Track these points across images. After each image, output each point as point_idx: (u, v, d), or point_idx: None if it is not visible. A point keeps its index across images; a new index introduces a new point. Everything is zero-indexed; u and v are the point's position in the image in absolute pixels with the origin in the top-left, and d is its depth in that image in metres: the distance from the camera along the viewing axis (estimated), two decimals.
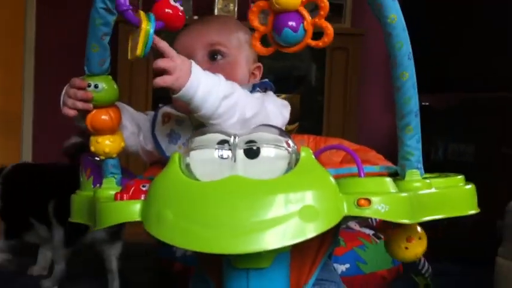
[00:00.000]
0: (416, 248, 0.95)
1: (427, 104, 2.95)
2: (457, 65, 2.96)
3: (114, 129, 0.99)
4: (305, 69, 3.35)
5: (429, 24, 3.00)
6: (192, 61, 0.95)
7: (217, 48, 1.12)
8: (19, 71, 3.55)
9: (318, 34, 0.85)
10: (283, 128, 1.10)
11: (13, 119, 4.02)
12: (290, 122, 1.15)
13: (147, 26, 0.88)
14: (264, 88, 1.12)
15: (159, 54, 0.93)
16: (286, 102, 1.13)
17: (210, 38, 1.12)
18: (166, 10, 0.93)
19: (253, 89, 1.10)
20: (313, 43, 0.84)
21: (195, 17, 3.20)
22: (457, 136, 2.94)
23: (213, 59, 1.12)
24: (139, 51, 0.88)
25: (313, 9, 0.85)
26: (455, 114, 2.99)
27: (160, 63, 0.91)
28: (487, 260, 1.99)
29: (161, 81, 0.91)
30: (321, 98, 3.37)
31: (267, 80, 1.18)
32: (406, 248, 0.95)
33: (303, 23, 0.83)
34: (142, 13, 0.90)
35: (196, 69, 0.94)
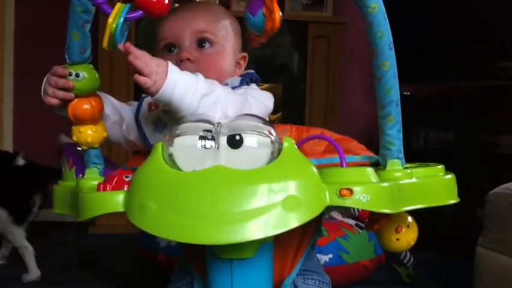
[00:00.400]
0: (406, 236, 0.97)
1: (408, 93, 2.98)
2: (437, 53, 2.98)
3: (96, 118, 0.99)
4: (287, 58, 3.35)
5: (409, 13, 3.02)
6: (169, 62, 0.95)
7: (206, 36, 1.12)
8: None
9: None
10: (264, 114, 1.11)
11: None
12: (273, 112, 1.16)
13: (111, 19, 0.85)
14: (249, 79, 1.13)
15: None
16: (270, 94, 1.13)
17: (199, 26, 1.12)
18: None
19: (241, 83, 1.11)
20: (267, 27, 0.88)
21: (176, 5, 3.17)
22: (437, 124, 2.97)
23: (201, 47, 1.12)
24: (104, 43, 0.87)
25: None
26: (436, 103, 3.02)
27: (137, 79, 0.92)
28: (466, 249, 2.01)
29: (141, 80, 0.91)
30: (303, 86, 3.38)
31: (252, 71, 1.18)
32: (397, 239, 0.96)
33: (261, 8, 0.84)
34: (118, 5, 0.88)
35: (172, 70, 0.93)
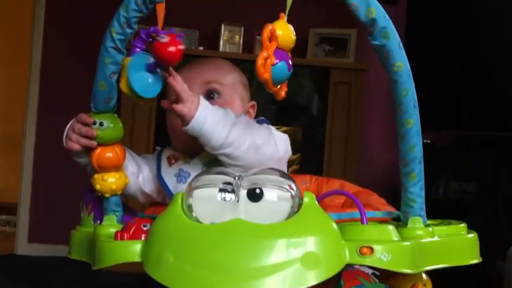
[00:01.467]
0: None
1: (429, 141, 2.96)
2: (459, 102, 2.97)
3: (119, 166, 0.99)
4: (306, 100, 3.37)
5: (432, 61, 3.03)
6: (201, 96, 0.99)
7: (213, 87, 1.16)
8: (23, 93, 3.56)
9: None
10: (287, 161, 1.11)
11: (15, 141, 4.04)
12: (292, 153, 1.17)
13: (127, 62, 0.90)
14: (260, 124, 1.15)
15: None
16: (286, 136, 1.14)
17: (206, 77, 1.16)
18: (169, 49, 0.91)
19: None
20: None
21: (201, 48, 3.22)
22: (458, 174, 2.93)
23: (210, 98, 1.15)
24: (121, 86, 0.91)
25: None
26: (457, 152, 2.99)
27: (174, 108, 0.97)
28: None
29: (177, 108, 0.96)
30: (323, 129, 3.38)
31: (263, 117, 1.20)
32: None
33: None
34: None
35: (204, 103, 0.98)
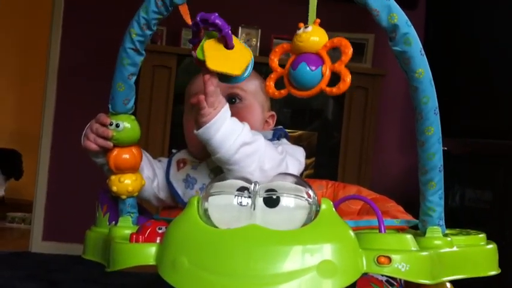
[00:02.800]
0: None
1: (445, 148, 2.93)
2: (476, 110, 2.94)
3: (136, 167, 0.99)
4: (322, 104, 3.35)
5: (450, 69, 3.00)
6: (227, 105, 0.96)
7: (235, 92, 1.15)
8: (40, 91, 3.58)
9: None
10: (298, 173, 1.10)
11: (31, 139, 4.07)
12: (306, 157, 1.16)
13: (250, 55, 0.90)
14: (278, 135, 1.15)
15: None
16: (302, 150, 1.13)
17: None
18: None
19: (273, 136, 1.12)
20: (328, 89, 0.82)
21: None
22: (474, 182, 2.90)
23: (231, 102, 1.14)
24: (239, 72, 0.89)
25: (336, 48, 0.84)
26: (473, 160, 2.96)
27: (211, 88, 0.92)
28: None
29: (202, 104, 0.92)
30: (338, 134, 3.36)
31: (281, 127, 1.20)
32: None
33: (322, 65, 0.81)
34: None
35: (224, 112, 0.95)
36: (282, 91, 0.86)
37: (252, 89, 1.17)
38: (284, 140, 1.15)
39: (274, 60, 0.86)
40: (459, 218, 2.78)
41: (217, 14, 0.87)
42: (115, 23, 3.37)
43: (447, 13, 3.18)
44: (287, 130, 1.21)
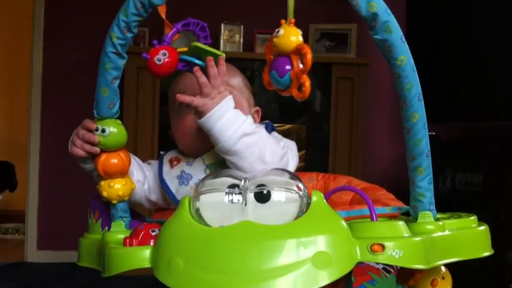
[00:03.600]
0: None
1: (434, 133, 2.94)
2: (464, 94, 2.95)
3: (125, 171, 0.98)
4: (309, 96, 3.34)
5: (435, 55, 3.01)
6: (231, 96, 1.00)
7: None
8: (26, 99, 3.56)
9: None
10: (295, 167, 1.11)
11: (20, 149, 4.05)
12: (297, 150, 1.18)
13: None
14: (269, 129, 1.15)
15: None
16: (293, 143, 1.16)
17: None
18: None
19: (266, 129, 1.12)
20: (295, 93, 0.87)
21: None
22: (465, 166, 2.92)
23: None
24: None
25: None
26: (463, 144, 2.98)
27: (189, 99, 0.97)
28: None
29: (188, 99, 0.97)
30: (326, 125, 3.37)
31: (268, 121, 1.20)
32: None
33: (289, 72, 0.85)
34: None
35: (227, 102, 0.98)
36: (283, 93, 0.91)
37: (237, 85, 1.17)
38: (274, 133, 1.16)
39: (268, 54, 0.90)
40: (452, 202, 2.80)
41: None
42: (97, 29, 3.36)
43: (428, 1, 3.19)
44: (276, 124, 1.22)
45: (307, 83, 0.84)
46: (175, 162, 1.13)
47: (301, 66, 0.85)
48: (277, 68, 0.85)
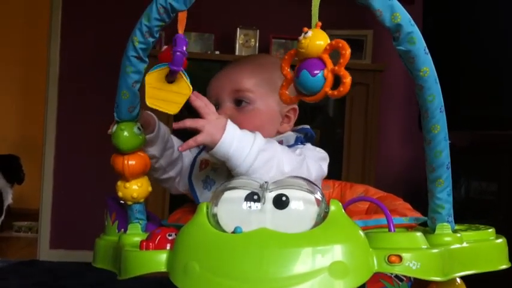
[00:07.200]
0: None
1: (449, 142, 2.92)
2: (479, 101, 2.93)
3: (141, 174, 0.99)
4: (323, 100, 3.32)
5: (450, 63, 2.99)
6: (229, 119, 0.97)
7: (242, 95, 1.13)
8: (41, 97, 3.58)
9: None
10: (320, 181, 1.09)
11: (35, 147, 4.07)
12: None
13: (189, 91, 0.91)
14: (304, 134, 1.13)
15: (192, 111, 0.96)
16: (325, 155, 1.12)
17: (237, 85, 1.13)
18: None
19: (296, 141, 1.11)
20: (330, 92, 0.82)
21: (217, 52, 3.22)
22: (479, 174, 2.90)
23: (239, 105, 1.13)
24: (176, 110, 0.91)
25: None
26: (477, 152, 2.96)
27: (189, 123, 0.95)
28: None
29: (193, 142, 0.94)
30: (340, 130, 3.36)
31: (307, 126, 1.17)
32: None
33: (323, 70, 0.81)
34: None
35: (230, 126, 0.95)
36: (293, 98, 0.86)
37: (263, 88, 1.13)
38: (309, 145, 1.12)
39: (285, 68, 0.87)
40: (465, 211, 2.77)
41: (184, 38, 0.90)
42: (113, 27, 3.38)
43: (444, 5, 3.18)
44: None
45: (348, 78, 0.80)
46: (203, 166, 1.12)
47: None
48: (308, 67, 0.81)
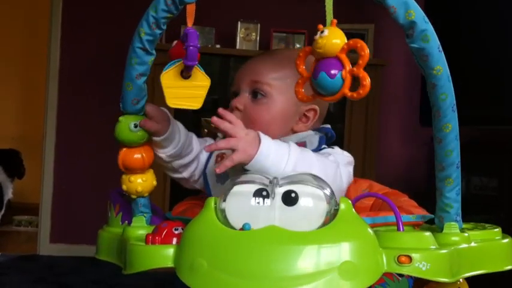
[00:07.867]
0: None
1: None
2: (480, 96, 2.93)
3: (145, 168, 0.98)
4: None
5: (452, 57, 2.98)
6: (259, 131, 0.95)
7: (259, 87, 1.11)
8: (41, 93, 3.56)
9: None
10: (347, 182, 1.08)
11: (35, 142, 4.05)
12: None
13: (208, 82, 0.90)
14: (325, 134, 1.12)
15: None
16: (352, 159, 1.11)
17: (255, 76, 1.12)
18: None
19: (319, 143, 1.10)
20: (349, 94, 0.80)
21: (217, 46, 3.20)
22: (480, 170, 2.90)
23: (255, 97, 1.12)
24: (199, 104, 0.89)
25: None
26: (478, 148, 2.95)
27: (221, 144, 0.93)
28: None
29: (230, 162, 0.92)
30: (341, 125, 3.35)
31: (328, 126, 1.16)
32: None
33: (341, 70, 0.80)
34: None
35: (264, 139, 0.93)
36: (310, 96, 0.85)
37: (280, 83, 1.11)
38: (337, 149, 1.11)
39: (300, 66, 0.86)
40: (467, 206, 2.77)
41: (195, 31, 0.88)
42: (114, 26, 3.36)
43: (445, 5, 3.16)
44: None
45: (367, 79, 0.79)
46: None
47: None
48: (326, 68, 0.79)
